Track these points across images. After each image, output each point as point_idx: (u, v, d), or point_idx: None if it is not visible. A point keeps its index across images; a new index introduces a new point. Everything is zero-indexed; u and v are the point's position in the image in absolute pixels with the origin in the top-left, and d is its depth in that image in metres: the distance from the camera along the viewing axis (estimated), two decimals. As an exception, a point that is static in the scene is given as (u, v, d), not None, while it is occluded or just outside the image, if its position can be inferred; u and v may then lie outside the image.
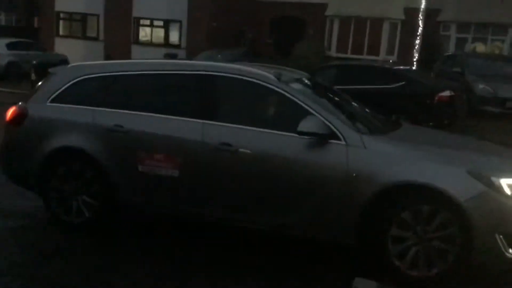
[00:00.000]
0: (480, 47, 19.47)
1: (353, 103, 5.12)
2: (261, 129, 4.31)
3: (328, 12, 21.11)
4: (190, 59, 17.30)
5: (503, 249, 3.79)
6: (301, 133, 4.07)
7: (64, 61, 19.48)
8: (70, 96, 4.91)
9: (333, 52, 20.85)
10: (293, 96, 4.33)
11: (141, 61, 5.28)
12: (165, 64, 5.06)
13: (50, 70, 5.30)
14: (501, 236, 3.78)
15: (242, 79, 4.50)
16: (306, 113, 4.19)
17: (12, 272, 3.92)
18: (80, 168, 4.71)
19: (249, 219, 4.40)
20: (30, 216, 5.17)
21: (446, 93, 10.30)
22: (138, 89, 4.82)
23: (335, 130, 4.11)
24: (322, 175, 4.09)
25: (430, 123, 9.64)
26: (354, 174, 4.00)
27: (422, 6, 18.53)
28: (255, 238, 4.68)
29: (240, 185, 4.33)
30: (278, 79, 4.42)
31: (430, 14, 18.81)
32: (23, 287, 3.72)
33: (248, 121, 4.39)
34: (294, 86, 4.54)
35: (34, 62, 16.42)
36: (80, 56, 20.58)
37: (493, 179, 3.82)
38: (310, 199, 4.13)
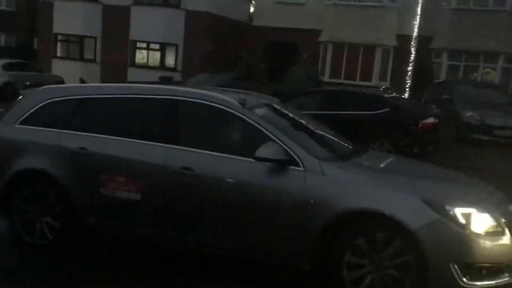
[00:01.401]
0: (490, 75, 19.59)
1: (320, 129, 5.15)
2: (223, 154, 4.34)
3: (322, 38, 21.34)
4: (183, 82, 17.47)
5: (457, 278, 3.77)
6: (258, 159, 4.09)
7: (59, 82, 19.67)
8: (38, 118, 4.96)
9: (326, 77, 21.01)
10: (254, 122, 4.36)
11: (107, 85, 5.34)
12: (130, 88, 5.12)
13: (21, 92, 5.35)
14: (455, 265, 3.77)
15: (205, 104, 4.55)
16: (267, 138, 4.23)
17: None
18: (43, 189, 4.74)
19: (209, 243, 4.40)
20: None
21: (430, 120, 10.35)
22: (103, 113, 4.87)
23: (294, 156, 4.13)
24: (280, 200, 4.10)
25: (414, 150, 9.68)
26: (311, 201, 4.01)
27: (415, 33, 18.77)
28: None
29: (200, 209, 4.34)
30: (242, 104, 4.47)
31: (422, 41, 19.01)
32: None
33: (210, 146, 4.42)
34: (258, 111, 4.58)
35: (28, 83, 16.59)
36: (77, 78, 20.77)
37: (448, 207, 3.83)
38: (268, 224, 4.14)
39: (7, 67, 20.10)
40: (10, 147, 4.93)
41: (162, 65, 22.97)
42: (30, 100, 5.12)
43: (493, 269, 3.88)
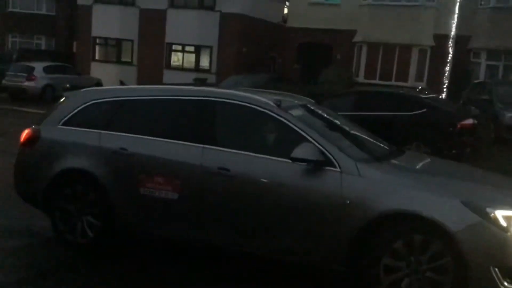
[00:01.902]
0: None
1: (356, 130, 5.12)
2: (259, 155, 4.37)
3: (357, 38, 21.16)
4: (217, 84, 17.63)
5: (498, 282, 3.70)
6: (294, 159, 4.11)
7: (98, 85, 20.15)
8: (80, 119, 5.10)
9: (361, 78, 20.81)
10: (290, 122, 4.38)
11: (146, 87, 5.45)
12: (169, 90, 5.21)
13: (63, 94, 5.53)
14: (496, 269, 3.70)
15: (242, 105, 4.59)
16: (303, 139, 4.24)
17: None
18: (84, 189, 4.87)
19: (245, 243, 4.44)
20: (37, 234, 5.33)
21: (469, 121, 10.14)
22: (142, 114, 4.98)
23: (330, 157, 4.13)
24: (316, 201, 4.10)
25: (452, 151, 9.50)
26: (347, 201, 3.99)
27: (452, 33, 18.42)
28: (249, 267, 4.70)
29: (236, 210, 4.38)
30: (278, 105, 4.49)
31: (460, 41, 18.65)
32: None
33: (246, 146, 4.46)
34: (294, 112, 4.59)
35: (68, 85, 17.02)
36: (114, 80, 21.25)
37: (488, 210, 3.76)
38: (304, 225, 4.15)
39: (47, 70, 20.70)
40: (53, 147, 5.08)
41: (197, 67, 23.26)
42: (72, 101, 5.27)
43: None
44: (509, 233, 3.71)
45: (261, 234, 4.34)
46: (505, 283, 3.70)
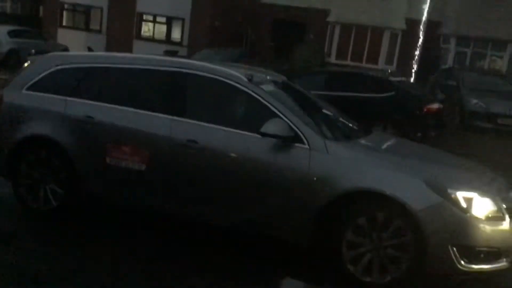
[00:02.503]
0: (497, 63, 19.43)
1: (325, 108, 5.16)
2: (228, 128, 4.36)
3: (330, 18, 21.15)
4: (190, 58, 17.39)
5: (455, 261, 3.82)
6: (264, 134, 4.11)
7: (64, 51, 19.57)
8: (45, 85, 4.95)
9: (332, 59, 20.86)
10: (261, 97, 4.37)
11: (116, 55, 5.34)
12: (139, 59, 5.10)
13: (28, 58, 5.35)
14: (454, 248, 3.81)
15: (213, 78, 4.55)
16: (273, 115, 4.24)
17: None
18: (48, 156, 4.77)
19: (210, 215, 4.46)
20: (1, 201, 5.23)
21: (435, 105, 10.34)
22: (110, 82, 4.87)
23: (299, 133, 4.16)
24: (284, 176, 4.13)
25: (418, 134, 9.69)
26: (314, 178, 4.04)
27: (424, 17, 18.62)
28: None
29: (203, 182, 4.38)
30: (249, 80, 4.47)
31: (431, 26, 18.86)
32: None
33: (216, 119, 4.44)
34: (265, 87, 4.58)
35: (33, 50, 16.51)
36: (82, 48, 20.69)
37: (450, 191, 3.86)
38: (270, 199, 4.18)
39: (12, 34, 19.98)
40: (17, 112, 4.93)
41: (168, 39, 22.84)
42: (38, 66, 5.11)
43: (491, 254, 3.92)
44: (468, 214, 3.83)
45: (228, 207, 4.36)
46: (462, 262, 3.83)
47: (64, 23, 24.41)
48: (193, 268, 4.12)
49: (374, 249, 3.95)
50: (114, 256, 4.23)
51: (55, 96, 4.84)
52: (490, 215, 3.90)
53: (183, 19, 22.53)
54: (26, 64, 5.28)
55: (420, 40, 18.96)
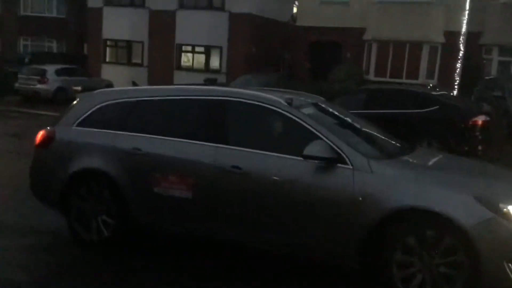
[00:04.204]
0: None
1: (367, 127, 5.14)
2: (271, 153, 4.41)
3: (367, 36, 21.09)
4: (227, 84, 17.69)
5: (511, 276, 3.70)
6: (307, 157, 4.14)
7: (108, 86, 20.28)
8: (94, 120, 5.17)
9: (371, 76, 20.73)
10: (301, 120, 4.42)
11: (160, 87, 5.50)
12: (181, 90, 5.27)
13: (77, 95, 5.61)
14: (509, 264, 3.71)
15: (253, 103, 4.64)
16: (314, 137, 4.27)
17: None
18: (99, 188, 4.94)
19: (257, 240, 4.49)
20: (54, 234, 5.42)
21: (481, 118, 10.08)
22: (155, 114, 5.03)
23: (342, 154, 4.16)
24: (328, 198, 4.14)
25: (465, 148, 9.46)
26: (360, 198, 4.02)
27: (463, 29, 18.30)
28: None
29: (248, 207, 4.43)
30: (289, 104, 4.53)
31: (471, 37, 18.50)
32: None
33: (258, 145, 4.50)
34: (305, 110, 4.63)
35: (80, 87, 17.17)
36: (125, 81, 21.37)
37: (501, 205, 3.77)
38: (316, 222, 4.18)
39: (59, 73, 20.89)
40: (69, 148, 5.16)
41: (207, 67, 23.34)
42: (86, 103, 5.35)
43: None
44: (521, 229, 3.71)
45: (274, 231, 4.38)
46: (518, 278, 3.71)
47: (107, 59, 25.34)
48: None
49: (425, 268, 3.88)
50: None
51: (104, 130, 5.04)
52: (544, 229, 3.76)
53: (220, 47, 23.00)
54: (75, 102, 5.51)
55: (461, 52, 18.59)
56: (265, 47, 22.93)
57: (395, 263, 3.95)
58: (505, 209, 3.76)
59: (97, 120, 5.16)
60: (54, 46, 31.43)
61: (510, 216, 3.74)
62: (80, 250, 4.99)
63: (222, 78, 21.74)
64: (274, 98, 4.62)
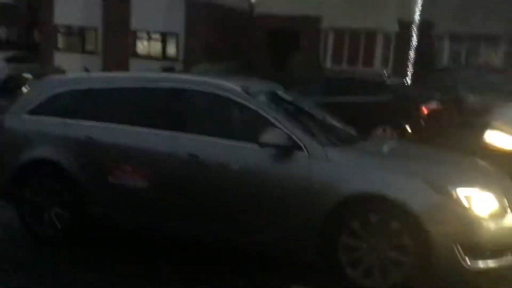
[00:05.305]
0: (492, 59, 19.47)
1: (322, 115, 5.19)
2: (228, 140, 4.40)
3: (323, 25, 21.26)
4: (185, 72, 17.49)
5: (460, 259, 3.81)
6: (263, 145, 4.15)
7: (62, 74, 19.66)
8: (46, 108, 5.01)
9: (328, 64, 20.96)
10: (258, 108, 4.42)
11: (113, 74, 5.40)
12: (136, 78, 5.17)
13: (27, 83, 5.42)
14: (458, 246, 3.81)
15: (210, 91, 4.60)
16: (271, 124, 4.28)
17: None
18: (51, 179, 4.80)
19: (214, 232, 4.46)
20: (6, 227, 5.25)
21: (433, 105, 10.39)
22: (109, 102, 4.91)
23: (298, 141, 4.19)
24: (284, 185, 4.16)
25: (417, 135, 9.72)
26: (316, 185, 4.06)
27: (416, 18, 18.71)
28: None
29: (204, 196, 4.41)
30: (245, 91, 4.51)
31: (423, 26, 18.94)
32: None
33: (215, 132, 4.49)
34: (261, 98, 4.63)
35: (30, 75, 16.61)
36: (78, 69, 20.78)
37: (450, 188, 3.87)
38: (272, 209, 4.20)
39: (9, 60, 20.12)
40: (19, 137, 4.99)
41: (164, 55, 22.96)
42: (38, 90, 5.18)
43: (496, 250, 3.92)
44: (470, 211, 3.84)
45: (231, 219, 4.37)
46: (468, 261, 3.81)
47: (59, 46, 24.55)
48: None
49: (373, 253, 3.94)
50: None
51: (56, 118, 4.89)
52: (492, 212, 3.90)
53: (177, 34, 22.66)
54: (25, 89, 5.32)
55: (414, 41, 19.02)
56: (223, 35, 22.73)
57: (341, 246, 4.00)
58: (454, 193, 3.86)
59: (49, 108, 5.00)
60: (3, 33, 30.18)
61: (459, 200, 3.85)
62: (33, 244, 4.85)
63: (179, 66, 21.46)
64: (231, 85, 4.60)
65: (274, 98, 4.95)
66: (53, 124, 4.89)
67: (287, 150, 4.16)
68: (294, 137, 4.19)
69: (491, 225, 3.87)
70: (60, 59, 23.71)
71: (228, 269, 4.40)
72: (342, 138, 4.72)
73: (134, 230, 4.91)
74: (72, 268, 4.40)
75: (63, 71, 21.00)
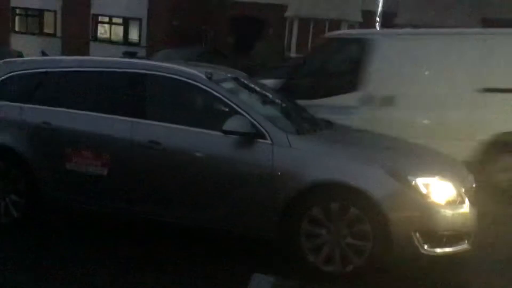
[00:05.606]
0: None
1: (287, 103, 5.19)
2: (190, 128, 4.35)
3: (288, 13, 21.29)
4: (148, 58, 17.18)
5: (419, 246, 3.88)
6: (226, 132, 4.12)
7: (19, 57, 19.03)
8: (0, 92, 4.83)
9: (292, 53, 21.01)
10: (221, 95, 4.37)
11: (71, 58, 5.24)
12: (95, 62, 5.03)
13: (-19, 66, 5.19)
14: (417, 233, 3.88)
15: (172, 77, 4.52)
16: (234, 112, 4.24)
17: None
18: (6, 166, 4.64)
19: (176, 215, 4.42)
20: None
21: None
22: (66, 86, 4.78)
23: (261, 129, 4.17)
24: (248, 173, 4.15)
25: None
26: (279, 173, 4.06)
27: (379, 8, 18.96)
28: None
29: (167, 182, 4.35)
30: (209, 78, 4.45)
31: (386, 16, 19.22)
32: None
33: (177, 119, 4.42)
34: (225, 85, 4.58)
35: (-15, 58, 16.00)
36: (36, 53, 20.12)
37: (409, 177, 3.94)
38: (235, 196, 4.19)
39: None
40: (-30, 122, 4.79)
41: (126, 40, 22.52)
42: (-9, 73, 4.97)
43: (453, 237, 4.02)
44: (429, 199, 3.92)
45: (193, 206, 4.33)
46: (425, 247, 3.89)
47: (17, 29, 23.75)
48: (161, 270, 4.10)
49: (333, 239, 3.97)
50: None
51: (9, 103, 4.72)
52: (450, 199, 3.99)
53: (140, 19, 22.24)
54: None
55: (377, 31, 19.26)
56: (187, 21, 22.44)
57: (303, 233, 4.02)
58: (413, 182, 3.92)
59: (3, 92, 4.83)
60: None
61: (418, 187, 3.92)
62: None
63: (142, 52, 21.08)
64: (194, 72, 4.53)
65: (238, 85, 4.91)
66: (8, 108, 4.73)
67: (250, 137, 4.14)
68: (258, 125, 4.17)
69: (449, 213, 3.96)
70: (17, 41, 22.92)
71: (191, 256, 4.36)
72: (307, 126, 4.72)
73: (96, 216, 4.80)
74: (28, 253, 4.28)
75: (20, 54, 20.42)
